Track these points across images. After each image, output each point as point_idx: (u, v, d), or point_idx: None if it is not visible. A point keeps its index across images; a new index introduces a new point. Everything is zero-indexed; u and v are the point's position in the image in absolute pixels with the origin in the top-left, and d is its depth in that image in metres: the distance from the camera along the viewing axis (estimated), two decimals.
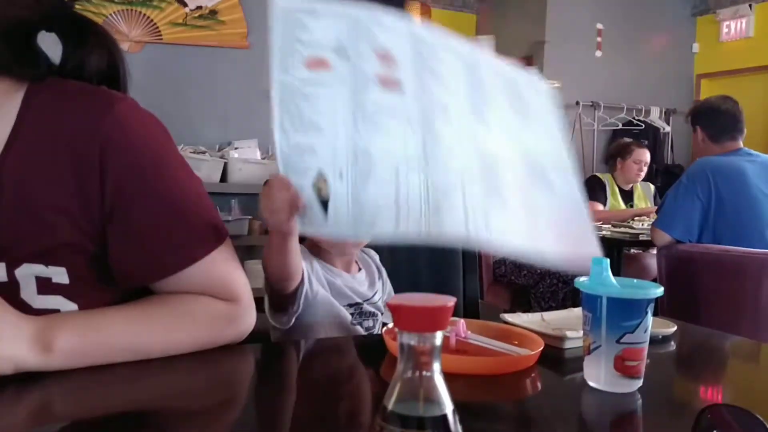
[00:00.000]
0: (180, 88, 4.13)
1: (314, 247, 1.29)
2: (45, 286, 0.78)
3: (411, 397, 0.44)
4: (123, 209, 0.80)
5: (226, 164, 3.92)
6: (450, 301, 0.45)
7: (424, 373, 0.44)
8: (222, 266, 0.86)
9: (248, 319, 0.87)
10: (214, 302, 0.85)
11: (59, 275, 0.79)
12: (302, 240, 1.30)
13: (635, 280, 0.83)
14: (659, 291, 0.79)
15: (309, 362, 0.96)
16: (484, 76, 0.88)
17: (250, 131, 4.25)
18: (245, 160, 3.96)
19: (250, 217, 3.90)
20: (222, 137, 4.24)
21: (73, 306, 0.80)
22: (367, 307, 1.28)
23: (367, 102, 0.76)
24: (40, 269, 0.78)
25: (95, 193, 0.79)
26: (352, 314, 1.26)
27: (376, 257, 1.40)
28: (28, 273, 0.77)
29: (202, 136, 4.04)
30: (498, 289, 3.64)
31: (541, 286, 3.52)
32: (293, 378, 0.87)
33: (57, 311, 0.79)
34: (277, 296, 1.08)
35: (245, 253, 3.56)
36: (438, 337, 0.45)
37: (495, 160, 0.83)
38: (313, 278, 1.19)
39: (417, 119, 0.77)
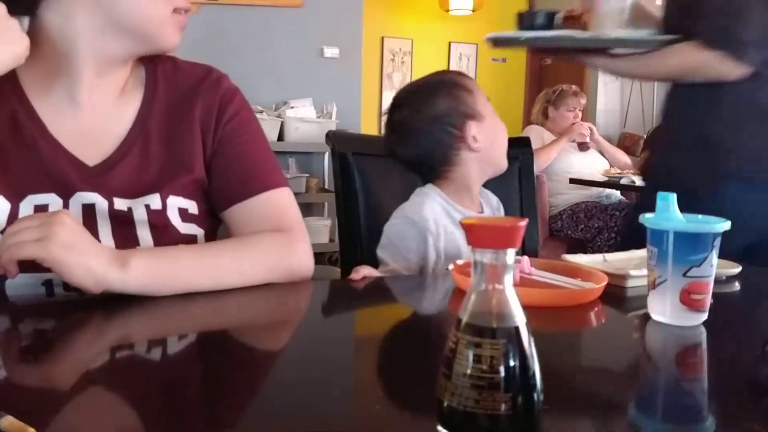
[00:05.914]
0: (236, 48, 4.15)
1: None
2: (185, 215, 0.98)
3: (485, 310, 0.46)
4: (224, 150, 1.04)
5: (282, 123, 3.96)
6: (521, 221, 0.47)
7: (496, 286, 0.46)
8: (284, 201, 1.05)
9: (303, 244, 1.01)
10: (272, 233, 0.98)
11: (192, 207, 1.00)
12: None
13: (701, 216, 0.83)
14: (726, 225, 0.78)
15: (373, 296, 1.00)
16: None
17: (304, 90, 4.27)
18: (301, 119, 3.99)
19: (307, 174, 3.94)
20: (278, 97, 4.27)
21: (201, 232, 1.00)
22: None
23: None
24: (180, 201, 0.98)
25: (209, 141, 1.03)
26: None
27: (494, 198, 1.34)
28: (173, 204, 0.97)
29: (259, 95, 4.05)
30: (554, 244, 3.62)
31: (598, 240, 3.48)
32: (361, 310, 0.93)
33: (195, 236, 0.99)
34: None
35: (302, 210, 3.60)
36: (510, 255, 0.46)
37: None
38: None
39: None
